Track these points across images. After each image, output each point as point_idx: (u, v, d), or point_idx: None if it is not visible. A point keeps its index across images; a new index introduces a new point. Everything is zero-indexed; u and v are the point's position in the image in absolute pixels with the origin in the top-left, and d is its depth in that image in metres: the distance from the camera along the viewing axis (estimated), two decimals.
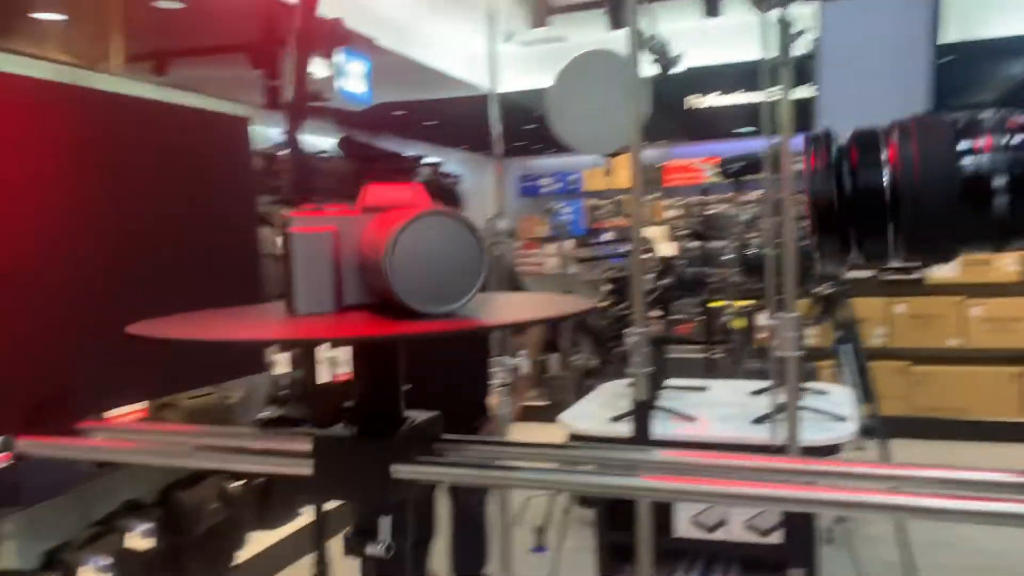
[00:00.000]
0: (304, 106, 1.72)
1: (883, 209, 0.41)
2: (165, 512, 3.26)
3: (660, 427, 2.45)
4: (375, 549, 0.61)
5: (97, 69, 2.95)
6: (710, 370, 4.75)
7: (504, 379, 1.97)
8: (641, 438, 2.00)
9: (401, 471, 0.57)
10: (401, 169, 5.42)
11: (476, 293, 0.59)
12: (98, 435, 0.86)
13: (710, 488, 0.49)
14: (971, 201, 0.41)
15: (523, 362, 2.01)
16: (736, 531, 2.39)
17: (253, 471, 0.67)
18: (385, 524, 0.62)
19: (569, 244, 6.79)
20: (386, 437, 0.60)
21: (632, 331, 1.98)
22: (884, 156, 0.42)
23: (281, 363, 3.83)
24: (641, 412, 2.00)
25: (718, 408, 2.71)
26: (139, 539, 3.10)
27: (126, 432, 0.93)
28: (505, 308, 0.69)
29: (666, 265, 2.85)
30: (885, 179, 0.41)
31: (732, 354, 4.35)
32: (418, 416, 0.67)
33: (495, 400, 1.98)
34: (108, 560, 2.94)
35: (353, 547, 0.61)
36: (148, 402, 3.15)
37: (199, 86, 3.23)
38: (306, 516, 4.09)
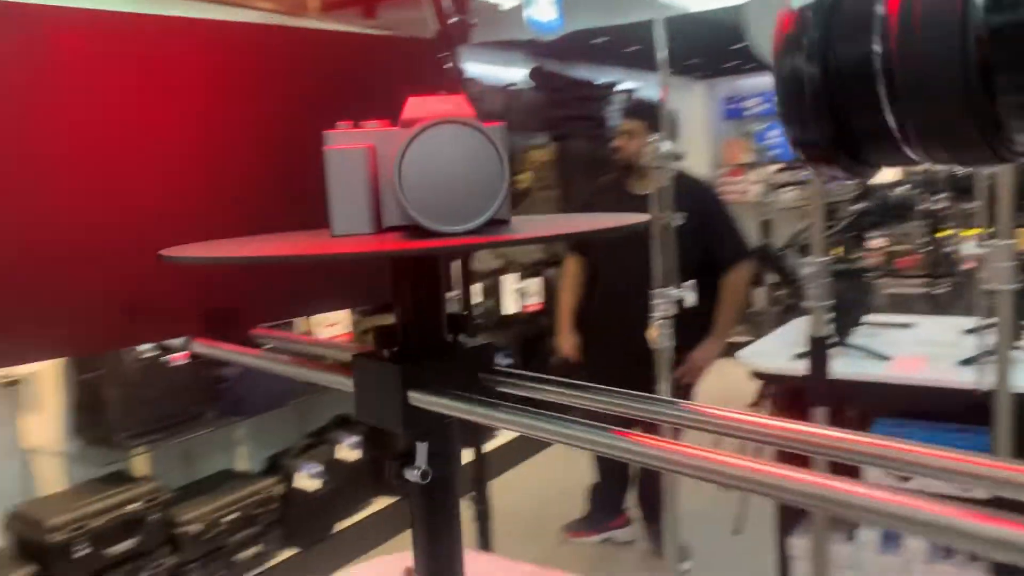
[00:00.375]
0: (459, 33, 1.71)
1: (873, 79, 0.31)
2: (370, 428, 3.55)
3: (848, 366, 2.25)
4: (412, 475, 0.61)
5: (297, 14, 3.14)
6: (937, 306, 4.27)
7: (665, 311, 1.89)
8: (817, 376, 1.85)
9: (418, 399, 0.55)
10: (593, 97, 5.32)
11: (498, 210, 0.55)
12: (265, 343, 0.93)
13: (706, 465, 0.42)
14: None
15: (688, 294, 1.91)
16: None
17: (311, 379, 0.69)
18: (422, 450, 0.62)
19: (771, 170, 6.35)
20: (411, 362, 0.59)
21: (809, 260, 1.82)
22: (880, 9, 0.32)
23: (472, 294, 3.97)
24: (818, 349, 1.85)
25: (923, 347, 2.43)
26: (347, 451, 3.41)
27: (288, 343, 0.98)
28: (549, 225, 0.65)
29: (866, 190, 2.57)
30: (876, 43, 0.32)
31: (957, 288, 3.87)
32: (465, 343, 0.65)
33: (654, 333, 1.91)
34: (319, 467, 3.27)
35: (393, 472, 0.62)
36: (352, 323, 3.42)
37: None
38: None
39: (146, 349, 2.65)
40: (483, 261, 4.20)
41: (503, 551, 1.52)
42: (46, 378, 2.75)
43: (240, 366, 2.91)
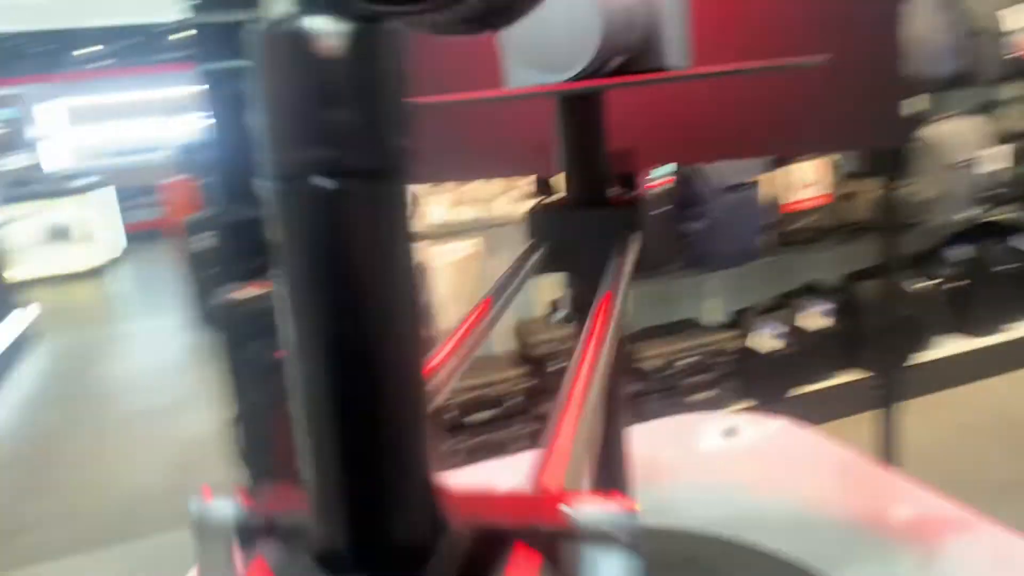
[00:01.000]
0: None
1: None
2: (843, 298, 3.37)
3: None
4: (558, 317, 0.65)
5: None
6: None
7: None
8: None
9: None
10: None
11: (595, 60, 0.53)
12: None
13: None
14: None
15: None
16: None
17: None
18: (567, 296, 0.65)
19: None
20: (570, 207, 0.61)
21: None
22: None
23: (994, 158, 3.34)
24: None
25: None
26: (813, 318, 3.31)
27: None
28: None
29: None
30: None
31: None
32: (622, 193, 0.65)
33: None
34: (782, 329, 3.26)
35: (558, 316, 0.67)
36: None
37: None
38: (1012, 332, 3.65)
39: None
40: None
41: None
42: None
43: (706, 219, 3.02)
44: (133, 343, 6.14)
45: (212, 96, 2.40)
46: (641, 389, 3.12)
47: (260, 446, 2.30)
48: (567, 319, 0.65)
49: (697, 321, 3.45)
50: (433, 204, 2.83)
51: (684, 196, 3.07)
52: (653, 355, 3.12)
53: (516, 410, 2.94)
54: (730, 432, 1.12)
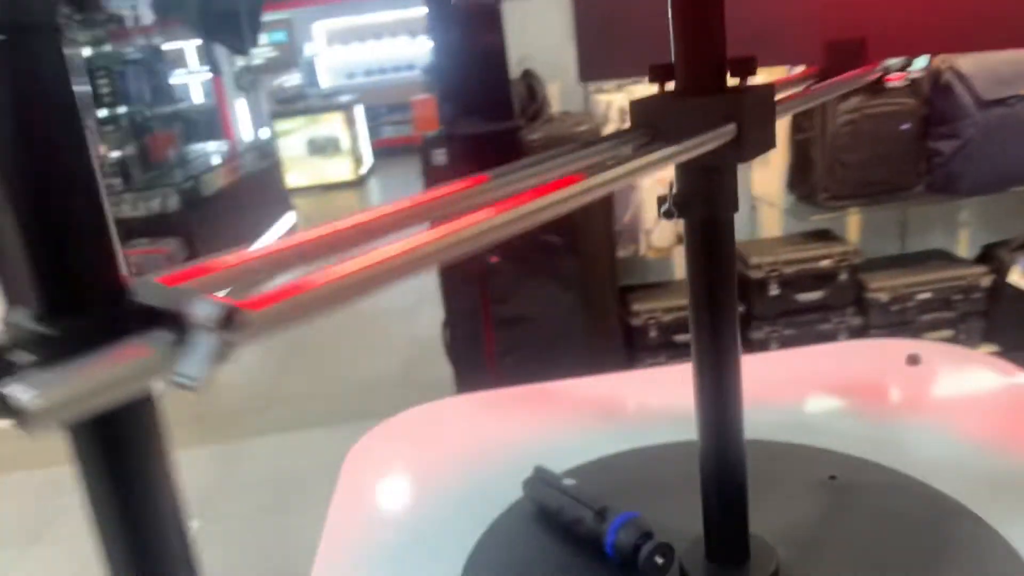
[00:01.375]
0: None
1: None
2: None
3: None
4: (662, 211, 0.62)
5: None
6: None
7: None
8: None
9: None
10: None
11: None
12: None
13: None
14: None
15: None
16: None
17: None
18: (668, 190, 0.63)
19: None
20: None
21: None
22: None
23: None
24: None
25: None
26: None
27: None
28: None
29: None
30: None
31: None
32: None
33: None
34: None
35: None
36: None
37: None
38: None
39: (850, 107, 2.68)
40: None
41: None
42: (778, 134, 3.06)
43: (960, 139, 2.68)
44: None
45: (431, 17, 2.50)
46: (865, 323, 2.90)
47: (466, 345, 2.45)
48: (666, 215, 0.62)
49: (941, 252, 3.12)
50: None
51: (935, 107, 2.74)
52: (883, 287, 2.88)
53: None
54: (913, 360, 1.02)
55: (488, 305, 2.26)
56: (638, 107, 0.59)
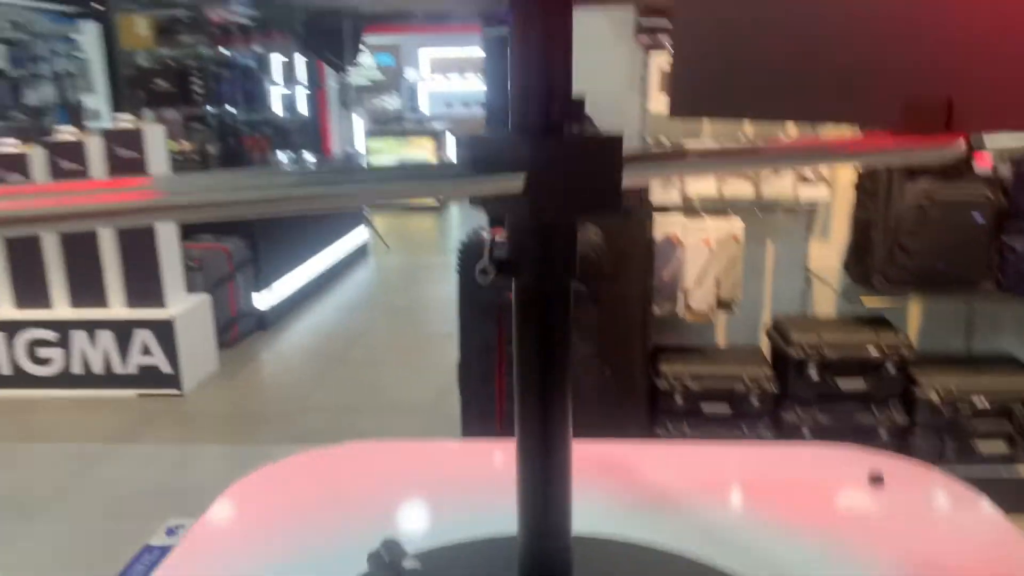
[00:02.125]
0: None
1: None
2: None
3: None
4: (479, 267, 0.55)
5: None
6: None
7: None
8: None
9: None
10: None
11: None
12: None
13: None
14: None
15: None
16: None
17: None
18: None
19: None
20: None
21: None
22: None
23: None
24: None
25: None
26: None
27: None
28: None
29: None
30: None
31: None
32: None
33: None
34: None
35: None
36: None
37: None
38: None
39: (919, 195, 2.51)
40: None
41: None
42: (838, 209, 2.90)
43: None
44: (447, 271, 6.77)
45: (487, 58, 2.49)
46: (910, 421, 2.68)
47: (477, 386, 2.37)
48: (481, 274, 0.53)
49: (1009, 358, 2.87)
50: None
51: (1015, 200, 2.54)
52: (937, 385, 2.66)
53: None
54: (876, 479, 0.89)
55: (503, 345, 2.18)
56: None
